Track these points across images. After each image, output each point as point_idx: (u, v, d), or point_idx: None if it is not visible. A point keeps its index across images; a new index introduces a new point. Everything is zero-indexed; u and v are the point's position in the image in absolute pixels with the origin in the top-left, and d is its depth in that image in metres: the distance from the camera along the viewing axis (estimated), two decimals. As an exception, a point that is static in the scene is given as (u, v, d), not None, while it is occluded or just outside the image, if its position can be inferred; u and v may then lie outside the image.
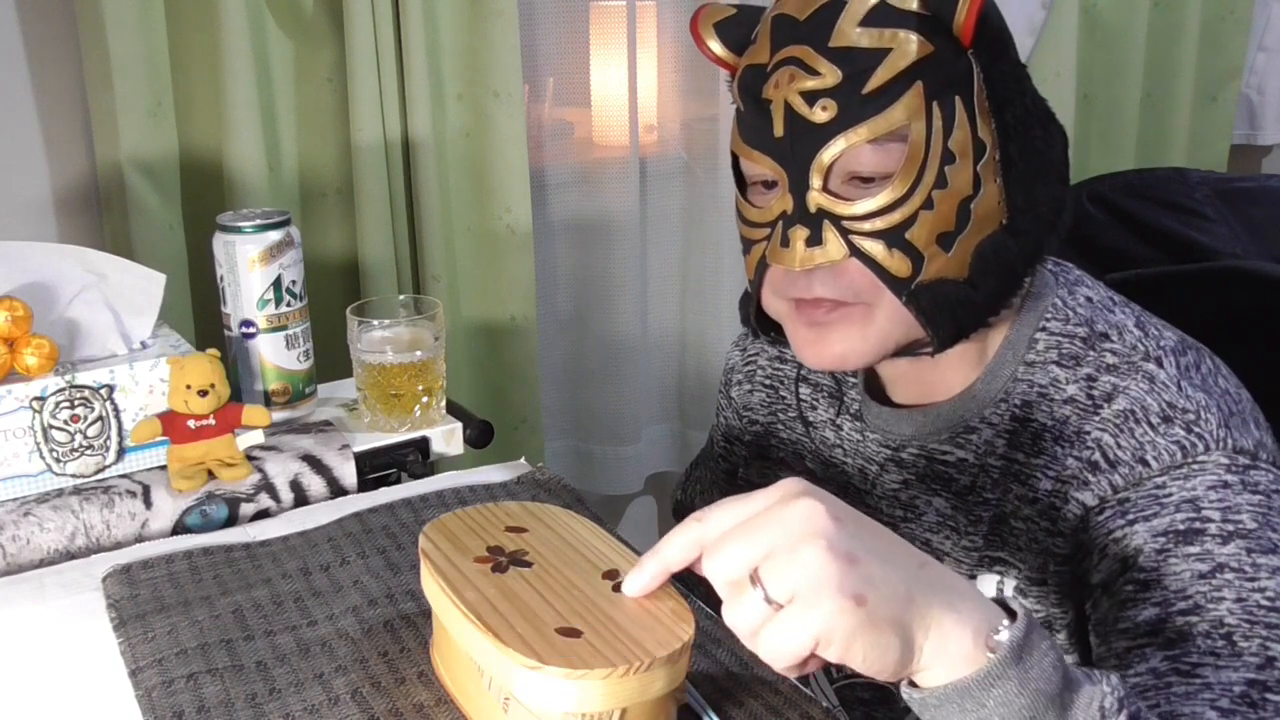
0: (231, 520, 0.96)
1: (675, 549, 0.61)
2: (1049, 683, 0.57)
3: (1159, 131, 2.18)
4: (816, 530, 0.56)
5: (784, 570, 0.56)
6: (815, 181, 0.82)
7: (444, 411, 1.12)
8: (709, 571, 0.59)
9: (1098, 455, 0.82)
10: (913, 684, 0.59)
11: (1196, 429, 0.80)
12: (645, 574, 0.62)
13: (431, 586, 0.66)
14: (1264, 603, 0.73)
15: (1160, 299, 0.90)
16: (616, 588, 0.63)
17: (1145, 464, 0.80)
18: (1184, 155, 2.19)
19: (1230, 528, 0.76)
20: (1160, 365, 0.84)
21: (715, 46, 0.90)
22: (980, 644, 0.57)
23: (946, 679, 0.57)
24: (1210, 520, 0.77)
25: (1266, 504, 0.78)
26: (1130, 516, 0.79)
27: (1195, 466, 0.79)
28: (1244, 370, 0.88)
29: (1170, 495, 0.79)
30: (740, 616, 0.57)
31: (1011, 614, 0.59)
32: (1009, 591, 0.87)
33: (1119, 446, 0.81)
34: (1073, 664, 0.61)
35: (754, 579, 0.56)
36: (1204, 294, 1.21)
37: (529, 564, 0.67)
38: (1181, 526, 0.77)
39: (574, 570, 0.66)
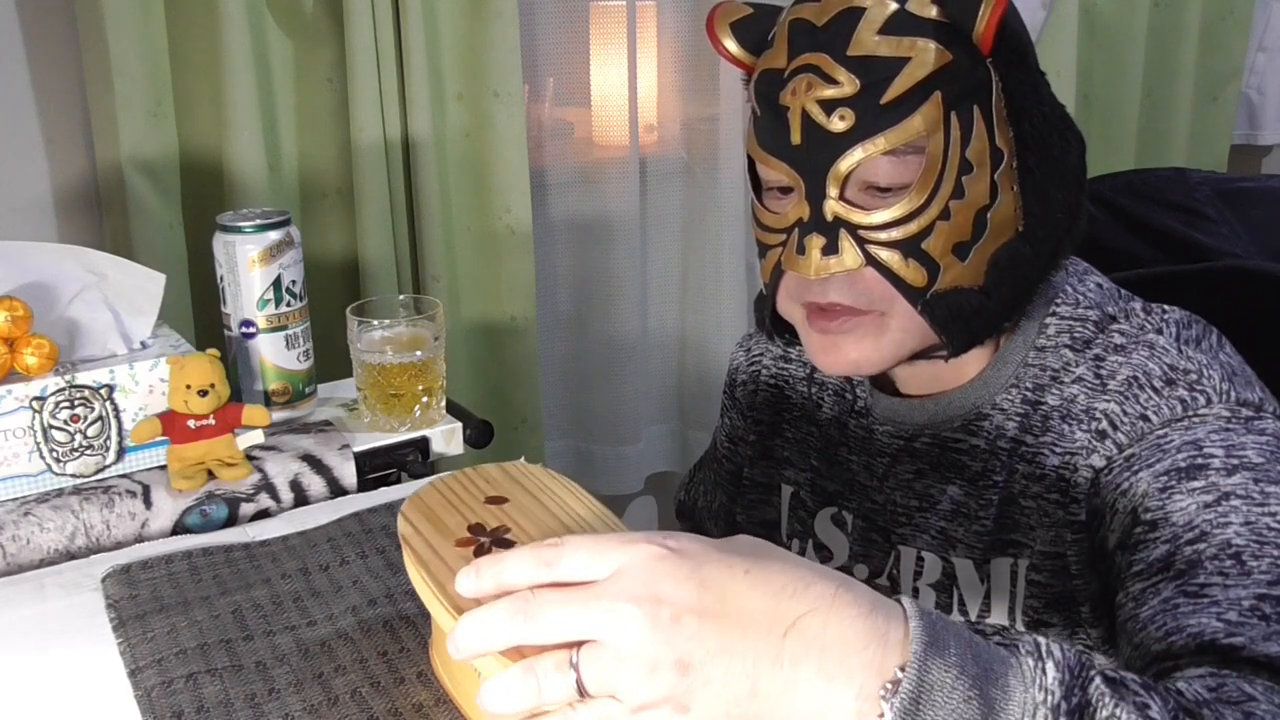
0: (231, 520, 0.96)
1: (518, 574, 0.56)
2: None
3: (1159, 131, 2.18)
4: (646, 633, 0.52)
5: (606, 668, 0.52)
6: (832, 190, 0.82)
7: (444, 411, 1.12)
8: (527, 629, 0.54)
9: (1105, 424, 0.82)
10: None
11: (1199, 387, 0.80)
12: (481, 583, 0.57)
13: (416, 579, 0.64)
14: (1274, 525, 0.72)
15: (1161, 299, 0.91)
16: None
17: (1147, 420, 0.80)
18: (1184, 155, 2.19)
19: (1235, 461, 0.76)
20: (1160, 333, 0.84)
21: (731, 46, 0.90)
22: (868, 701, 0.52)
23: None
24: (1213, 456, 0.77)
25: (1275, 444, 0.77)
26: (1135, 467, 0.79)
27: (1196, 419, 0.79)
28: (1244, 370, 0.88)
29: (1171, 441, 0.79)
30: (538, 691, 0.53)
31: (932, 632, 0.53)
32: (1022, 574, 0.87)
33: (1124, 413, 0.81)
34: (1010, 649, 0.55)
35: (572, 662, 0.53)
36: (1205, 294, 1.21)
37: (511, 545, 0.64)
38: (1183, 464, 0.77)
39: None
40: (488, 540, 0.65)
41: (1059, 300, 0.89)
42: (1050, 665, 0.54)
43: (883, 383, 0.97)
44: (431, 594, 0.61)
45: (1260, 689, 0.60)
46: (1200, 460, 0.77)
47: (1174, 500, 0.76)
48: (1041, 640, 0.55)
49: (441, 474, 0.73)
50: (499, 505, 0.69)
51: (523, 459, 1.04)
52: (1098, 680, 0.55)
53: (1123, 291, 0.92)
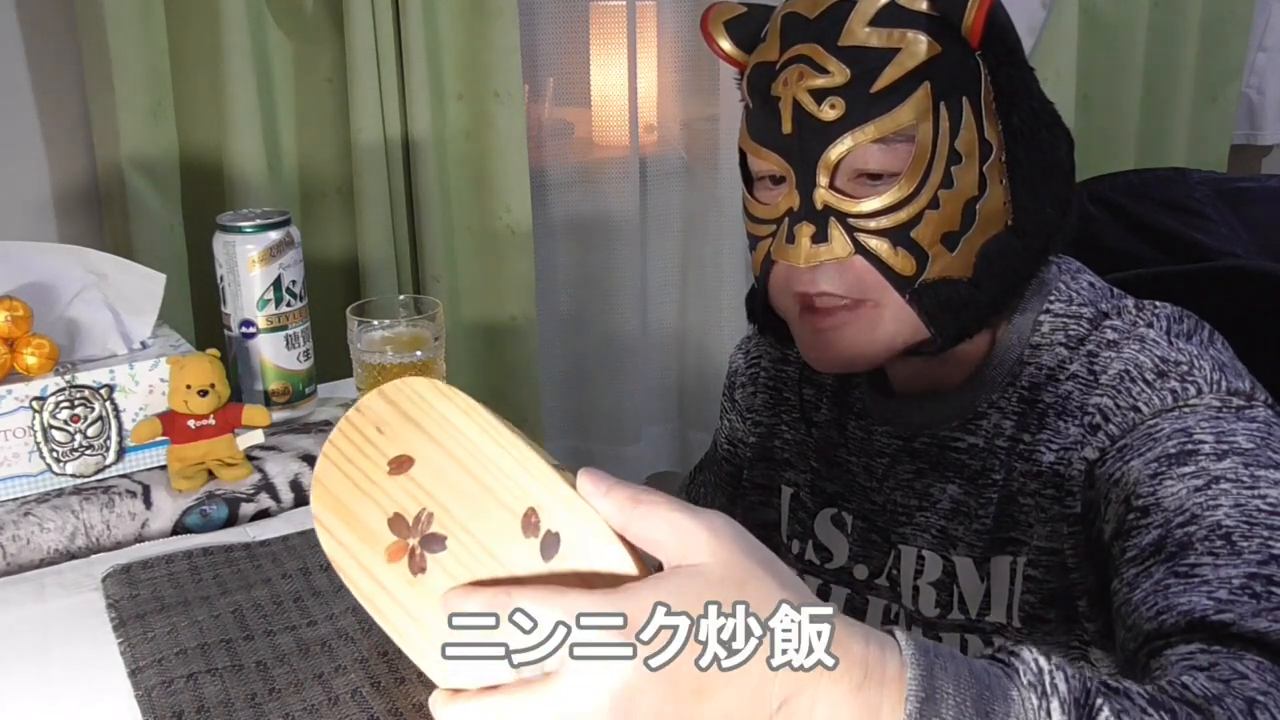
0: (231, 520, 0.96)
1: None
2: None
3: (1159, 131, 2.18)
4: None
5: None
6: (822, 179, 0.83)
7: (444, 411, 1.12)
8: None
9: (1098, 418, 0.82)
10: None
11: (1190, 377, 0.80)
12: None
13: (372, 616, 0.59)
14: (1264, 508, 0.72)
15: (1161, 299, 0.91)
16: (545, 543, 0.55)
17: (1139, 411, 0.81)
18: (1184, 155, 2.19)
19: (1225, 447, 0.76)
20: (1151, 327, 0.85)
21: (725, 44, 0.91)
22: None
23: None
24: (1203, 442, 0.77)
25: (1265, 430, 0.78)
26: (1127, 457, 0.79)
27: (1187, 408, 0.79)
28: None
29: (1162, 430, 0.79)
30: None
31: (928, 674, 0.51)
32: (1020, 569, 0.87)
33: (1116, 406, 0.82)
34: (1011, 676, 0.53)
35: None
36: (1205, 294, 1.20)
37: (443, 541, 0.57)
38: (1174, 450, 0.77)
39: (494, 535, 0.56)
40: (417, 544, 0.58)
41: (1052, 298, 0.90)
42: (1055, 704, 0.52)
43: (880, 384, 0.97)
44: (398, 639, 0.58)
45: (1252, 665, 0.60)
46: (1190, 446, 0.77)
47: (1165, 486, 0.76)
48: (1044, 666, 0.54)
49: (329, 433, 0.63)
50: (405, 473, 0.60)
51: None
52: (1105, 712, 0.54)
53: (1115, 290, 0.93)
